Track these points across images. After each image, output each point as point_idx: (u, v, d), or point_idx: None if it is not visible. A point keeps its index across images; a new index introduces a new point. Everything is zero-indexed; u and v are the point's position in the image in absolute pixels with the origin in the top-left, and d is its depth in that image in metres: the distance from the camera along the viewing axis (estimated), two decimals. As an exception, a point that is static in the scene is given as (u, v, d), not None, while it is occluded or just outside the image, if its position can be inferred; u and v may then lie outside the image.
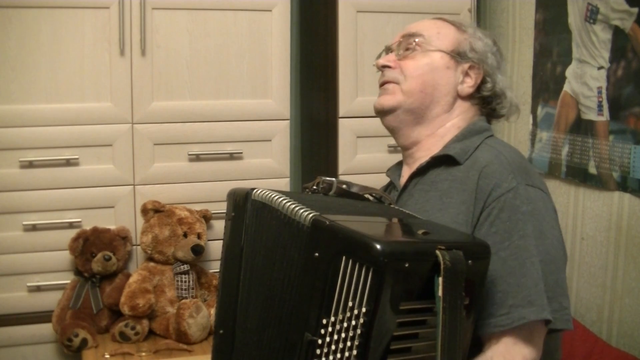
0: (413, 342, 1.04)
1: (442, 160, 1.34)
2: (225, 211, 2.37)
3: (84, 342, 2.13)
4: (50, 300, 2.27)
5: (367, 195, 1.36)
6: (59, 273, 2.29)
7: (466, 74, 1.38)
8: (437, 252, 1.02)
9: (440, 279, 1.01)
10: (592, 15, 2.10)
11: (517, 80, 2.53)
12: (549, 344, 1.28)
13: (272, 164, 2.47)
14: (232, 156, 2.42)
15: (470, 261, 1.05)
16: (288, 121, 2.48)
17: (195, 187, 2.40)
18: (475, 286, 1.10)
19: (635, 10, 1.92)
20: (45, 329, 2.26)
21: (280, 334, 1.16)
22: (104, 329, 2.24)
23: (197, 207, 2.37)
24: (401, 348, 1.03)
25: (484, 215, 1.23)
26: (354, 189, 1.35)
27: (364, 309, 0.99)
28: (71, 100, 2.24)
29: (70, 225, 2.27)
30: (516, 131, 2.52)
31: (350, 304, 1.00)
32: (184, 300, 2.20)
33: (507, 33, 2.62)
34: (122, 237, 2.30)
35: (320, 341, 1.03)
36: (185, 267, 2.28)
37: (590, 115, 2.12)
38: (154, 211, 2.30)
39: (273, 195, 1.23)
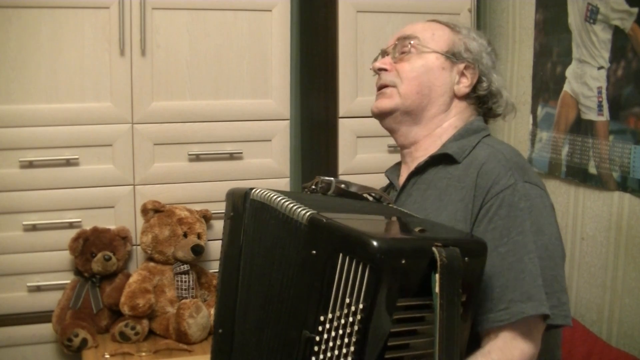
0: (411, 339, 1.05)
1: (440, 159, 1.35)
2: (224, 211, 2.40)
3: (84, 342, 2.13)
4: (50, 300, 2.27)
5: (365, 195, 1.37)
6: (59, 273, 2.29)
7: (462, 74, 1.40)
8: (434, 249, 1.02)
9: (437, 276, 1.01)
10: (592, 15, 2.10)
11: (517, 80, 2.53)
12: (549, 341, 1.29)
13: (272, 164, 2.47)
14: (232, 156, 2.42)
15: (466, 258, 1.06)
16: (288, 121, 2.48)
17: (195, 187, 2.40)
18: (472, 283, 1.10)
19: (635, 10, 1.92)
20: (45, 329, 2.26)
21: (278, 333, 1.16)
22: (104, 329, 2.24)
23: (197, 207, 2.37)
24: (399, 345, 1.04)
25: (483, 212, 1.23)
26: (353, 189, 1.36)
27: (361, 306, 1.00)
28: (71, 100, 2.24)
29: (70, 225, 2.27)
30: (516, 131, 2.52)
31: (347, 300, 1.01)
32: (184, 300, 2.20)
33: (507, 33, 2.62)
34: (122, 237, 2.30)
35: (318, 338, 1.03)
36: (185, 267, 2.28)
37: (590, 115, 2.12)
38: (154, 211, 2.30)
39: (271, 195, 1.24)
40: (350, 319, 1.00)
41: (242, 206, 1.33)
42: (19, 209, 2.23)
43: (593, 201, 2.14)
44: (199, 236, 2.32)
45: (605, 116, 2.05)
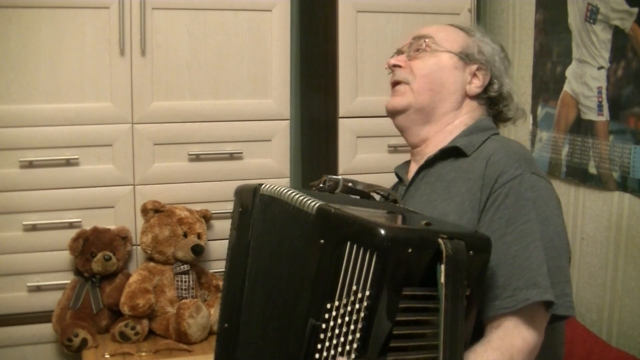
0: (415, 329, 1.06)
1: (450, 153, 1.38)
2: (225, 210, 2.41)
3: (84, 342, 2.13)
4: (50, 300, 2.27)
5: (372, 193, 1.39)
6: (59, 273, 2.28)
7: (474, 75, 1.43)
8: (440, 240, 1.04)
9: (443, 266, 1.03)
10: (592, 15, 2.10)
11: (517, 81, 2.53)
12: (552, 338, 1.30)
13: (272, 164, 2.47)
14: (232, 156, 2.42)
15: (471, 252, 1.08)
16: (288, 121, 2.48)
17: (195, 187, 2.40)
18: (476, 278, 1.12)
19: (635, 10, 1.92)
20: (45, 329, 2.26)
21: (285, 324, 1.18)
22: (104, 329, 2.24)
23: (197, 207, 2.37)
24: (404, 334, 1.05)
25: (490, 201, 1.25)
26: (360, 187, 1.38)
27: (367, 293, 1.01)
28: (71, 100, 2.24)
29: (70, 225, 2.27)
30: (516, 131, 2.52)
31: (354, 287, 1.03)
32: (184, 300, 2.20)
33: (507, 33, 2.62)
34: (122, 237, 2.30)
35: (324, 326, 1.05)
36: (185, 267, 2.28)
37: (590, 115, 2.12)
38: (154, 211, 2.30)
39: (281, 189, 1.27)
40: (357, 306, 1.02)
41: (251, 201, 1.36)
42: (19, 209, 2.23)
43: (593, 201, 2.14)
44: (199, 236, 2.32)
45: (605, 116, 2.05)
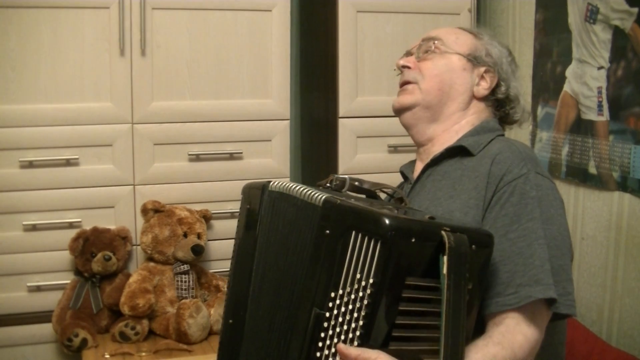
0: (418, 320, 1.08)
1: (456, 152, 1.39)
2: (225, 211, 2.41)
3: (84, 342, 2.13)
4: (50, 300, 2.27)
5: (379, 192, 1.41)
6: (59, 273, 2.28)
7: (482, 77, 1.45)
8: (443, 232, 1.07)
9: (445, 258, 1.05)
10: (592, 15, 2.10)
11: (520, 82, 2.53)
12: (553, 338, 1.31)
13: (272, 164, 2.47)
14: (232, 156, 2.42)
15: (473, 246, 1.10)
16: (288, 121, 2.48)
17: (195, 187, 2.40)
18: (478, 273, 1.13)
19: (635, 10, 1.92)
20: (45, 329, 2.26)
21: (290, 314, 1.20)
22: (104, 329, 2.24)
23: (197, 207, 2.37)
24: (406, 324, 1.07)
25: (495, 198, 1.27)
26: (366, 186, 1.40)
27: (371, 280, 1.04)
28: (71, 100, 2.24)
29: (70, 225, 2.27)
30: (516, 131, 2.52)
31: (358, 276, 1.05)
32: (184, 300, 2.20)
33: (507, 33, 2.62)
34: (122, 237, 2.30)
35: (327, 314, 1.07)
36: (185, 267, 2.28)
37: (590, 115, 2.12)
38: (154, 211, 2.30)
39: (290, 185, 1.31)
40: (360, 294, 1.05)
41: (260, 198, 1.39)
42: (19, 209, 2.23)
43: (593, 201, 2.14)
44: (199, 236, 2.32)
45: (605, 116, 2.06)
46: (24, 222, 2.23)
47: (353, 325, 1.05)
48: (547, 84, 2.35)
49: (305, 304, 1.12)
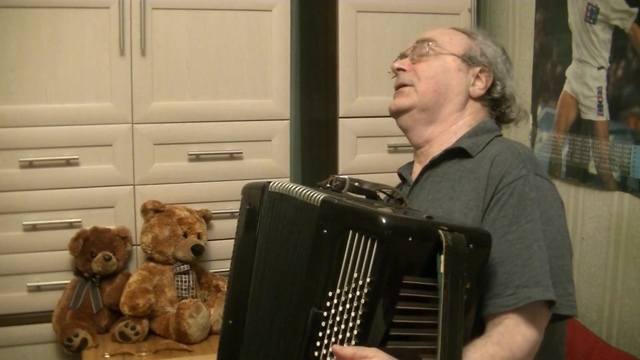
0: (416, 319, 1.08)
1: (455, 153, 1.39)
2: (225, 211, 2.41)
3: (84, 342, 2.13)
4: (50, 300, 2.27)
5: (378, 192, 1.41)
6: (59, 273, 2.28)
7: (477, 77, 1.45)
8: (440, 231, 1.07)
9: (442, 257, 1.05)
10: (592, 15, 2.10)
11: (517, 81, 2.52)
12: (553, 337, 1.31)
13: (272, 164, 2.47)
14: (232, 156, 2.42)
15: (471, 245, 1.10)
16: (288, 121, 2.48)
17: (195, 187, 2.40)
18: (476, 272, 1.14)
19: (635, 10, 1.92)
20: (45, 329, 2.26)
21: (290, 315, 1.20)
22: (104, 329, 2.24)
23: (197, 207, 2.37)
24: (404, 323, 1.07)
25: (494, 200, 1.27)
26: (366, 186, 1.40)
27: (368, 279, 1.04)
28: (71, 100, 2.24)
29: (70, 225, 2.27)
30: (516, 131, 2.52)
31: (355, 275, 1.06)
32: (184, 300, 2.20)
33: (507, 33, 2.62)
34: (122, 237, 2.30)
35: (325, 314, 1.07)
36: (185, 267, 2.28)
37: (590, 115, 2.12)
38: (154, 211, 2.30)
39: (290, 186, 1.31)
40: (358, 293, 1.05)
41: (260, 199, 1.39)
42: (19, 209, 2.23)
43: (593, 201, 2.14)
44: (199, 236, 2.32)
45: (605, 116, 2.05)
46: (24, 222, 2.23)
47: (351, 324, 1.05)
48: (547, 84, 2.35)
49: (304, 304, 1.12)
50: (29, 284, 2.25)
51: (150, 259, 2.31)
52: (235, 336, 1.39)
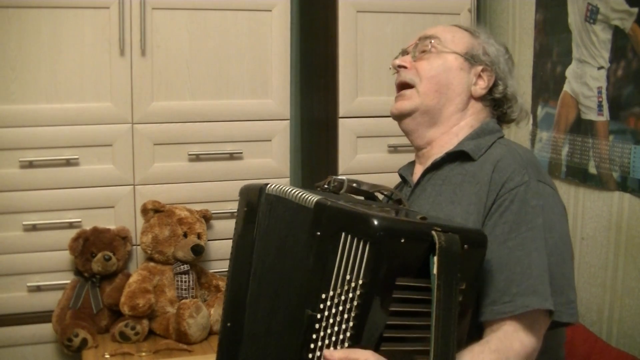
0: (410, 320, 1.07)
1: (457, 156, 1.38)
2: (225, 211, 2.41)
3: (84, 342, 2.13)
4: (50, 300, 2.27)
5: (377, 193, 1.40)
6: (59, 273, 2.28)
7: (479, 76, 1.43)
8: (434, 232, 1.06)
9: (436, 258, 1.05)
10: (592, 15, 2.10)
11: (517, 81, 2.53)
12: (553, 340, 1.30)
13: (272, 164, 2.47)
14: (232, 156, 2.42)
15: (466, 246, 1.09)
16: (288, 121, 2.48)
17: (195, 187, 2.40)
18: (471, 272, 1.13)
19: (635, 10, 1.92)
20: (45, 329, 2.26)
21: (286, 316, 1.20)
22: (104, 329, 2.24)
23: (197, 207, 2.37)
24: (398, 324, 1.06)
25: (495, 206, 1.26)
26: (364, 187, 1.39)
27: (361, 282, 1.03)
28: (71, 100, 2.24)
29: (70, 225, 2.27)
30: (516, 131, 2.52)
31: (348, 277, 1.05)
32: (184, 300, 2.20)
33: (507, 33, 2.62)
34: (122, 237, 2.30)
35: (319, 316, 1.07)
36: (185, 267, 2.28)
37: (590, 115, 2.12)
38: (154, 211, 2.30)
39: (286, 188, 1.30)
40: (350, 295, 1.04)
41: (257, 201, 1.38)
42: (19, 209, 2.23)
43: (593, 201, 2.14)
44: (199, 236, 2.32)
45: (605, 116, 2.05)
46: (24, 222, 2.23)
47: (344, 326, 1.04)
48: (547, 84, 2.35)
49: (300, 306, 1.12)
50: (29, 284, 2.25)
51: (150, 259, 2.31)
52: (234, 339, 1.38)
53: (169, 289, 2.27)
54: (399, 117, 1.45)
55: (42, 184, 2.24)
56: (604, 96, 2.06)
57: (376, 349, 1.05)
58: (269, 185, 1.36)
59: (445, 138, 1.42)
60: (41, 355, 2.30)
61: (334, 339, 1.05)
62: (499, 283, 1.21)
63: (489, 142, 1.38)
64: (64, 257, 2.28)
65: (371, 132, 2.49)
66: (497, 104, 1.46)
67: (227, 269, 1.47)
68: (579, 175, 2.18)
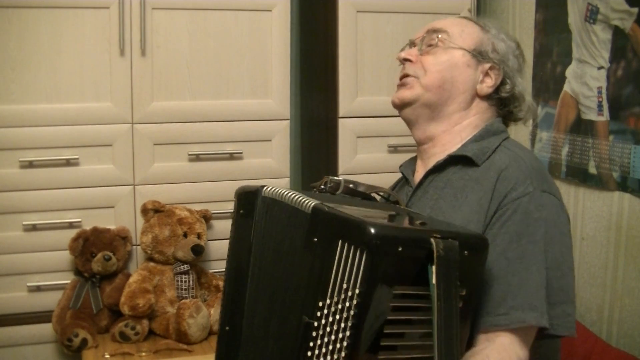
0: (407, 328, 1.06)
1: (459, 160, 1.35)
2: (225, 211, 2.41)
3: (84, 342, 2.13)
4: (50, 300, 2.27)
5: (374, 194, 1.38)
6: (59, 273, 2.28)
7: (486, 74, 1.39)
8: (432, 240, 1.04)
9: (434, 267, 1.03)
10: (592, 15, 2.10)
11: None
12: (550, 347, 1.30)
13: (272, 164, 2.47)
14: (232, 156, 2.42)
15: (466, 252, 1.07)
16: (288, 121, 2.48)
17: (195, 187, 2.40)
18: (472, 278, 1.11)
19: (635, 10, 1.92)
20: (45, 329, 2.26)
21: (283, 322, 1.19)
22: (104, 329, 2.24)
23: (197, 207, 2.37)
24: (394, 332, 1.05)
25: (497, 215, 1.23)
26: (361, 188, 1.37)
27: (357, 291, 1.01)
28: (71, 100, 2.24)
29: (70, 225, 2.27)
30: (516, 131, 2.52)
31: (344, 286, 1.03)
32: (184, 300, 2.20)
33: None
34: (122, 237, 2.30)
35: (316, 324, 1.05)
36: (185, 267, 2.28)
37: (590, 115, 2.12)
38: (154, 211, 2.30)
39: (282, 191, 1.27)
40: (347, 304, 1.02)
41: (253, 204, 1.36)
42: (19, 209, 2.23)
43: (593, 201, 2.14)
44: (199, 236, 2.32)
45: (605, 116, 2.06)
46: (24, 222, 2.23)
47: (341, 335, 1.02)
48: (547, 84, 2.35)
49: (296, 312, 1.10)
50: (29, 284, 2.25)
51: (150, 259, 2.31)
52: (232, 343, 1.36)
53: (169, 289, 2.27)
54: (400, 106, 1.41)
55: (42, 184, 2.24)
56: (604, 96, 2.06)
57: (374, 358, 1.04)
58: (265, 188, 1.33)
59: (448, 137, 1.39)
60: (41, 355, 2.30)
61: (331, 347, 1.04)
62: (495, 293, 1.19)
63: (494, 145, 1.34)
64: (64, 257, 2.28)
65: (371, 132, 2.49)
66: (504, 103, 1.41)
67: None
68: (579, 175, 2.18)
